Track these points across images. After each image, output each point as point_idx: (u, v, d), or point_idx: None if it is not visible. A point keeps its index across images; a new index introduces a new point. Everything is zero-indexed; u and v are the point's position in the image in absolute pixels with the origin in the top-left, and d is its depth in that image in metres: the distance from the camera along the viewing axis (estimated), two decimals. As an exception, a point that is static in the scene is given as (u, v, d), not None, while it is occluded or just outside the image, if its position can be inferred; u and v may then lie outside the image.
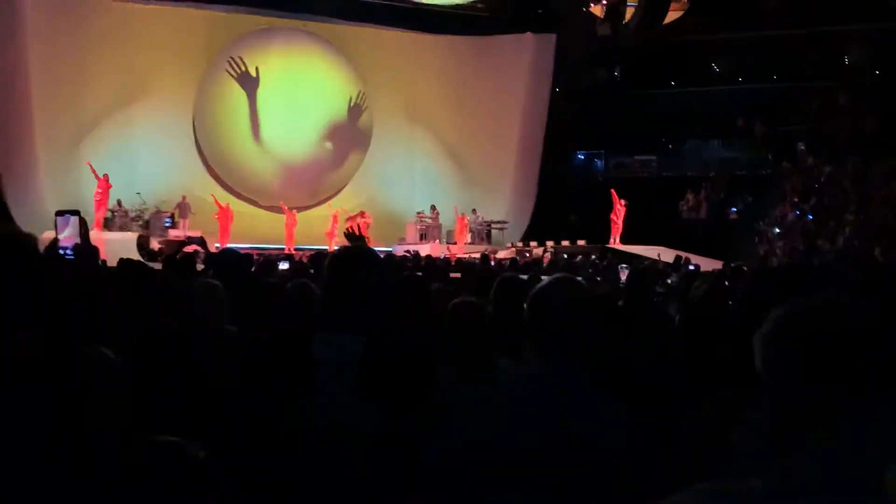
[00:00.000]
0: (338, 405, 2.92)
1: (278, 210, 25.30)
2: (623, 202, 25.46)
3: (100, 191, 22.33)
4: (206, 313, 4.05)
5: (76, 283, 2.73)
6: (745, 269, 10.33)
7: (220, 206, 23.83)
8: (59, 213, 2.62)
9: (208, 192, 26.34)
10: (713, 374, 3.21)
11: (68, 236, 2.57)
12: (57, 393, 2.16)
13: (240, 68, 26.46)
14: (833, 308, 1.43)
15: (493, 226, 27.70)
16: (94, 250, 2.60)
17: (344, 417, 2.91)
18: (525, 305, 2.34)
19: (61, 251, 2.56)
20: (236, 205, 26.73)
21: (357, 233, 4.45)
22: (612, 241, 24.70)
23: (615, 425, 2.17)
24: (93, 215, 21.66)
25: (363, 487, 2.63)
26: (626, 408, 2.24)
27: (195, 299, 4.07)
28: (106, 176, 22.35)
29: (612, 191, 25.69)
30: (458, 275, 9.55)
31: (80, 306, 2.57)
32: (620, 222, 25.20)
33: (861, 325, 1.39)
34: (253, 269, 7.77)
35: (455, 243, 25.11)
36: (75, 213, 2.63)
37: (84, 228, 2.57)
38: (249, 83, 26.49)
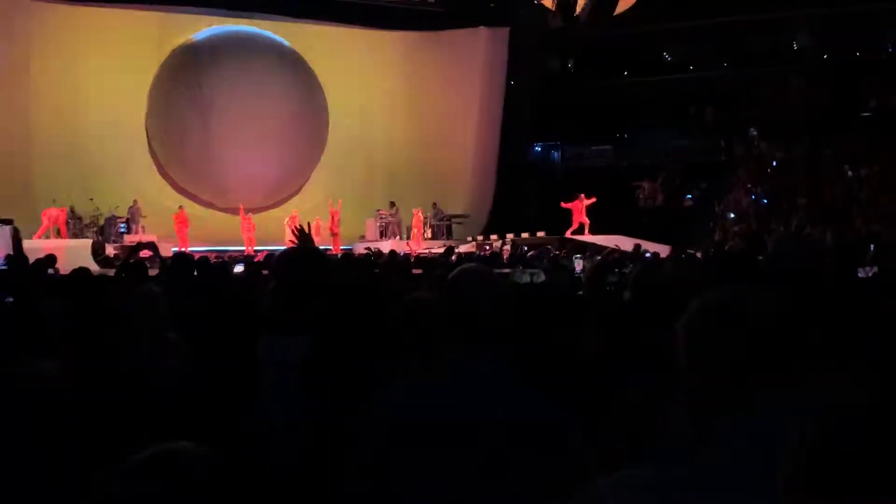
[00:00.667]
0: (284, 406, 2.92)
1: (235, 212, 25.08)
2: (584, 198, 25.06)
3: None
4: (145, 322, 4.01)
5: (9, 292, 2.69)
6: (695, 254, 10.44)
7: (176, 214, 23.47)
8: (-9, 224, 2.57)
9: (163, 195, 26.05)
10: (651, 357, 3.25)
11: (1, 246, 2.52)
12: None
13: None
14: (743, 297, 1.46)
15: (453, 220, 27.73)
16: (26, 259, 2.56)
17: (290, 418, 2.91)
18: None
19: (-6, 261, 2.51)
20: (193, 208, 26.51)
21: (307, 230, 4.43)
22: (568, 233, 24.65)
23: (531, 412, 2.15)
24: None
25: (312, 487, 2.62)
26: (543, 394, 2.22)
27: (134, 308, 4.03)
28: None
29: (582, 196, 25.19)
30: (419, 271, 9.53)
31: (13, 318, 2.54)
32: (583, 217, 24.98)
33: (768, 314, 1.42)
34: (207, 273, 7.71)
35: (410, 239, 25.11)
36: (8, 221, 2.58)
37: (17, 238, 2.52)
38: (202, 86, 26.20)
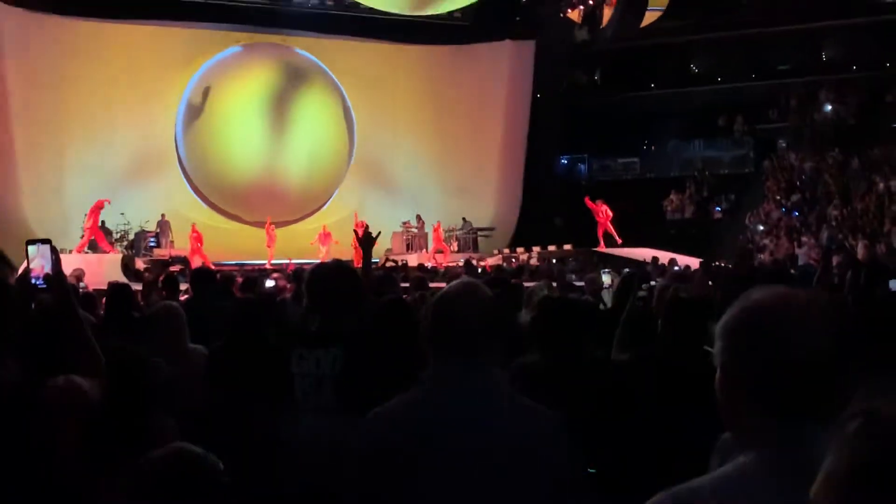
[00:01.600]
0: (316, 419, 2.94)
1: (261, 225, 25.19)
2: (602, 207, 24.81)
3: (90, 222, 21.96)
4: (166, 335, 4.12)
5: (47, 312, 2.74)
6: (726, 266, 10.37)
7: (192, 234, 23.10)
8: (30, 242, 2.62)
9: (191, 209, 26.28)
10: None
11: (40, 266, 2.56)
12: (27, 420, 2.18)
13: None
14: (792, 304, 1.43)
15: (479, 233, 27.74)
16: (65, 279, 2.60)
17: (322, 431, 2.93)
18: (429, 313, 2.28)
19: (33, 280, 2.56)
20: (219, 221, 26.74)
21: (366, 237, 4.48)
22: (600, 245, 24.45)
23: (534, 432, 2.14)
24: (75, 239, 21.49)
25: (344, 501, 2.62)
26: (542, 409, 2.20)
27: (156, 322, 4.16)
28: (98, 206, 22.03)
29: (587, 198, 24.98)
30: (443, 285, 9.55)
31: (51, 336, 2.58)
32: (608, 225, 24.74)
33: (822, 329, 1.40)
34: (236, 287, 7.78)
35: (441, 252, 25.05)
36: (46, 241, 2.63)
37: (56, 256, 2.57)
38: (231, 99, 26.45)
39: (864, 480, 0.99)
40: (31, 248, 2.63)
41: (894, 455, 0.98)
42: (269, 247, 23.98)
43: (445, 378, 2.18)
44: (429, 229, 26.59)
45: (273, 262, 22.84)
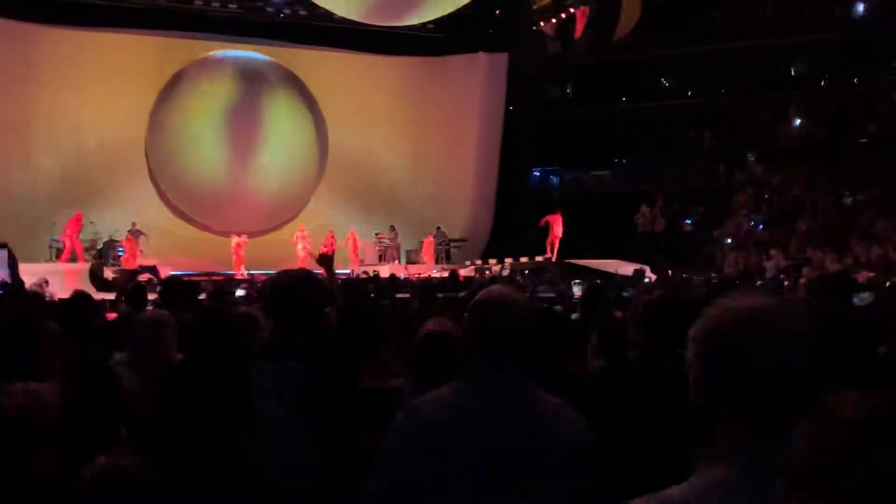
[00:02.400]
0: (277, 433, 2.89)
1: (230, 235, 25.01)
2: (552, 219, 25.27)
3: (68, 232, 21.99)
4: (150, 344, 4.01)
5: (5, 318, 2.67)
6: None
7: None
8: (-13, 248, 2.54)
9: (161, 218, 26.08)
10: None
11: (-3, 271, 2.50)
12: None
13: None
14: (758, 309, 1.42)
15: (451, 244, 27.74)
16: (22, 283, 2.54)
17: (283, 445, 2.88)
18: (465, 317, 2.35)
19: (-8, 286, 2.49)
20: (187, 230, 26.55)
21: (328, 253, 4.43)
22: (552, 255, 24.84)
23: (568, 433, 2.20)
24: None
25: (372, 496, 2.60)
26: (578, 415, 2.27)
27: (140, 330, 4.04)
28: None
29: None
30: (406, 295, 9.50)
31: (8, 342, 2.52)
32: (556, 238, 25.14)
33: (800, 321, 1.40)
34: (204, 296, 7.70)
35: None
36: (3, 246, 2.56)
37: (12, 261, 2.50)
38: (200, 108, 26.28)
39: None
40: None
41: None
42: (236, 264, 23.80)
43: (478, 380, 2.25)
44: (402, 240, 26.53)
45: (245, 272, 22.74)
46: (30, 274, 12.27)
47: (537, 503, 2.12)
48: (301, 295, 3.12)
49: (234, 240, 24.28)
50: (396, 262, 25.94)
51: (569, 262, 23.73)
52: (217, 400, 2.99)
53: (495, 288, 2.41)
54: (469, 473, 2.12)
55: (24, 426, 2.21)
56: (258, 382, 2.98)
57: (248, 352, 3.24)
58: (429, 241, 26.36)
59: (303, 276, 3.26)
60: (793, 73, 30.20)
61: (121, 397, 2.52)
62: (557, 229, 24.82)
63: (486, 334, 2.26)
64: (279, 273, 3.33)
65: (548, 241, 25.18)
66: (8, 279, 2.72)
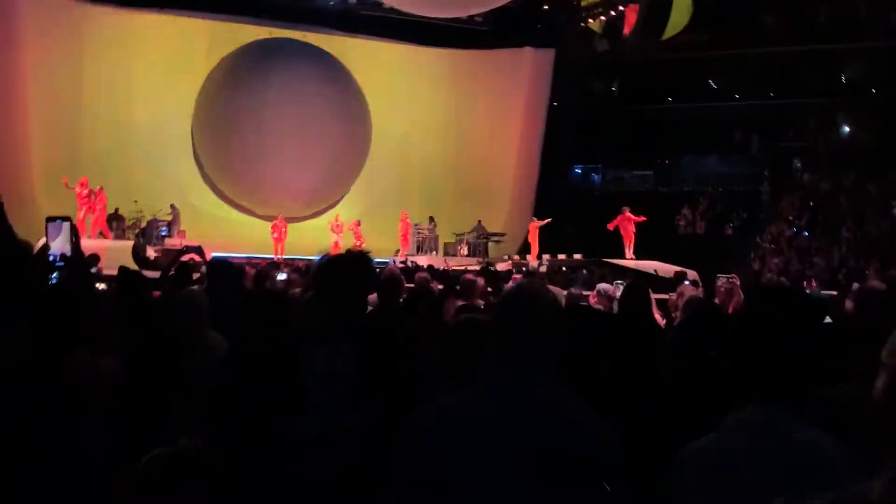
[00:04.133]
0: (326, 416, 2.91)
1: (274, 220, 25.22)
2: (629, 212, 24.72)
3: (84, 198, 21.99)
4: (188, 320, 4.07)
5: (66, 288, 2.72)
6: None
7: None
8: (50, 220, 2.59)
9: (204, 200, 26.35)
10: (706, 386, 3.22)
11: (59, 243, 2.54)
12: (42, 392, 2.17)
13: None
14: None
15: (490, 238, 27.67)
16: (83, 257, 2.58)
17: (334, 428, 2.92)
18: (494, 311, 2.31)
19: (51, 257, 2.53)
20: (231, 213, 26.84)
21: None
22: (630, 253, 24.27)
23: (594, 431, 2.15)
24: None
25: (354, 498, 2.61)
26: (603, 414, 2.21)
27: (178, 307, 4.10)
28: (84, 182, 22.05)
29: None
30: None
31: (69, 311, 2.56)
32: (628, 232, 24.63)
33: None
34: (248, 279, 7.77)
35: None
36: (66, 219, 2.60)
37: (75, 234, 2.54)
38: (250, 94, 26.48)
39: None
40: (50, 226, 2.60)
41: None
42: (277, 241, 23.96)
43: (503, 376, 2.19)
44: (440, 232, 26.51)
45: (284, 257, 22.84)
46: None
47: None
48: (350, 276, 3.12)
49: (274, 222, 24.45)
50: (434, 253, 25.92)
51: (606, 262, 23.56)
52: (270, 382, 3.02)
53: (525, 283, 2.35)
54: (482, 477, 2.07)
55: (87, 394, 2.25)
56: (309, 365, 2.99)
57: (301, 335, 3.25)
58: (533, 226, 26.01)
59: (353, 256, 3.24)
60: (843, 80, 29.70)
61: (185, 375, 2.56)
62: (630, 226, 24.30)
63: (511, 331, 2.21)
64: (331, 256, 3.31)
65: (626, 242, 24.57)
66: (69, 253, 2.76)
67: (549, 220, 25.68)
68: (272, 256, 22.91)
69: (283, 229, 24.23)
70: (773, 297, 2.29)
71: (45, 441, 2.04)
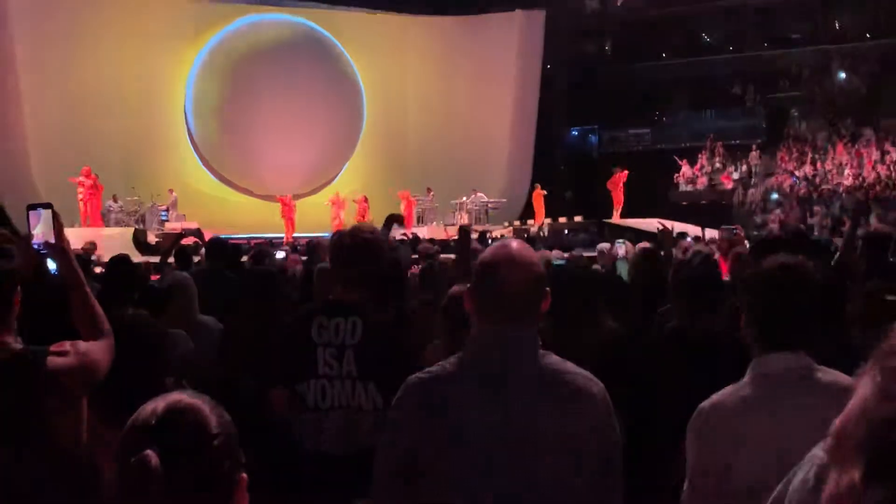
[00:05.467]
0: (338, 387, 2.97)
1: (272, 199, 25.17)
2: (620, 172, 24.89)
3: (81, 189, 21.91)
4: (177, 306, 4.13)
5: (49, 279, 2.68)
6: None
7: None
8: (31, 207, 2.51)
9: (201, 183, 26.27)
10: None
11: (41, 231, 2.47)
12: (31, 388, 2.14)
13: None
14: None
15: (489, 205, 27.55)
16: (68, 244, 2.52)
17: (345, 399, 2.97)
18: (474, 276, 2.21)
19: (35, 245, 2.46)
20: (228, 194, 26.75)
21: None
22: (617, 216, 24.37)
23: (585, 406, 2.09)
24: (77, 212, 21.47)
25: (368, 469, 2.58)
26: (598, 384, 2.15)
27: (170, 294, 4.16)
28: (87, 172, 21.94)
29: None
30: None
31: (55, 302, 2.52)
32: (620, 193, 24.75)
33: None
34: (246, 259, 7.74)
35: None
36: (47, 206, 2.52)
37: (57, 222, 2.47)
38: (241, 72, 26.32)
39: None
40: (31, 214, 2.53)
41: None
42: (286, 218, 23.83)
43: (486, 341, 2.13)
44: (438, 202, 26.39)
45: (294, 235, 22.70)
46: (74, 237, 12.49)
47: (544, 480, 2.02)
48: (360, 251, 3.13)
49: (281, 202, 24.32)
50: (434, 224, 25.84)
51: (607, 222, 23.54)
52: (276, 357, 3.06)
53: (500, 244, 2.24)
54: (463, 451, 2.03)
55: (74, 385, 2.22)
56: (319, 338, 3.01)
57: (311, 308, 3.27)
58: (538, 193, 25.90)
59: (363, 230, 3.25)
60: (837, 27, 29.41)
61: (177, 360, 2.53)
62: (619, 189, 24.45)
63: (487, 295, 2.12)
64: (342, 231, 3.34)
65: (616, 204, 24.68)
66: (52, 240, 2.72)
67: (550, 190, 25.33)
68: (272, 236, 22.78)
69: (292, 208, 24.16)
70: (785, 246, 2.30)
71: (30, 435, 2.02)
